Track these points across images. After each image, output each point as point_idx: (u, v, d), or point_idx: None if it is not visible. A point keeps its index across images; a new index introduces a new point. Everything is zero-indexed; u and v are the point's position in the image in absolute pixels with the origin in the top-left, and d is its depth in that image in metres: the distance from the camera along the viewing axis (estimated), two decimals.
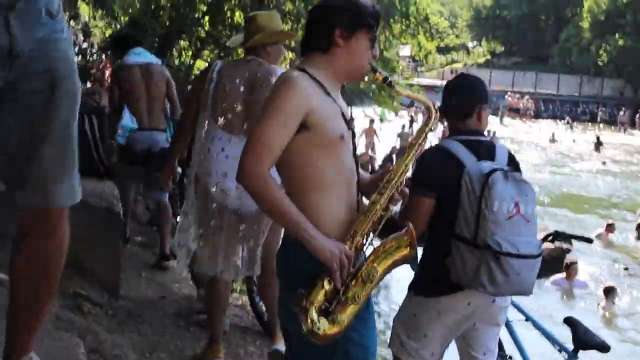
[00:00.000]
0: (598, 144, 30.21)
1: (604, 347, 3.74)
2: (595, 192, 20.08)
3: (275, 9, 11.10)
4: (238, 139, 3.50)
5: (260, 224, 3.63)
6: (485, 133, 3.39)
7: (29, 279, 2.20)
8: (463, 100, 3.13)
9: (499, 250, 2.79)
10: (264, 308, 4.38)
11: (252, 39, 3.72)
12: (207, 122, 3.63)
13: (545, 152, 28.64)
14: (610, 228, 13.64)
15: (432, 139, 4.54)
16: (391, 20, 14.14)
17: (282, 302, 2.37)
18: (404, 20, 14.71)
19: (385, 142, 21.36)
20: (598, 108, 45.78)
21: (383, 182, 2.29)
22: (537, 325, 3.89)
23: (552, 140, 32.02)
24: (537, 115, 44.51)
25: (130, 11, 10.89)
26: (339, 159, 2.25)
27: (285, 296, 2.30)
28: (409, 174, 2.42)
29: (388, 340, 3.21)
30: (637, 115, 41.84)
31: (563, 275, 10.30)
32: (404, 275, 3.32)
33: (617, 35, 47.56)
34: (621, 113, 42.60)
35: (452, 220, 2.92)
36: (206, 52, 11.63)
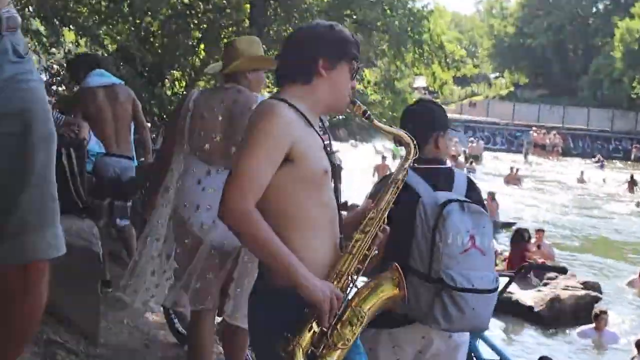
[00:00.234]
0: (632, 184, 30.09)
1: None
2: (628, 237, 19.97)
3: (275, 37, 11.31)
4: (216, 170, 3.56)
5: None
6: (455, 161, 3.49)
7: None
8: (419, 127, 3.16)
9: (453, 285, 2.86)
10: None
11: (230, 64, 3.78)
12: (183, 152, 3.71)
13: (573, 193, 28.57)
14: None
15: None
16: (402, 48, 14.26)
17: (260, 351, 2.41)
18: (416, 48, 14.81)
19: None
20: (632, 145, 45.66)
21: (365, 219, 2.35)
22: None
23: (581, 180, 31.96)
24: (565, 153, 44.45)
25: (118, 38, 11.00)
26: (322, 195, 2.31)
27: (264, 346, 2.33)
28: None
29: None
30: None
31: (592, 325, 10.22)
32: None
33: None
34: None
35: (406, 252, 2.99)
36: (201, 83, 11.59)
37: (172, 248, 3.77)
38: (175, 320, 4.91)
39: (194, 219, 3.61)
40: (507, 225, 17.80)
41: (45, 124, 2.12)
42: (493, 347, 3.87)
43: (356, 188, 13.47)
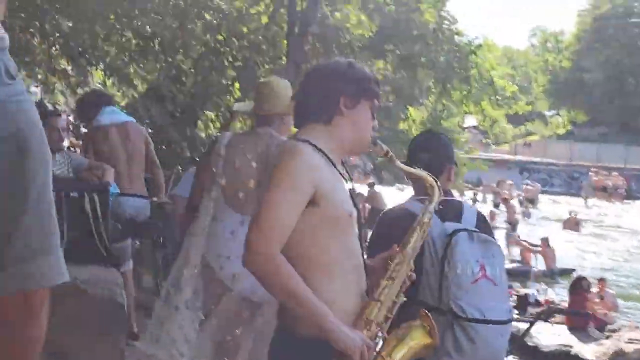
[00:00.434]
0: None
1: None
2: None
3: None
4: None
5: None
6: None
7: None
8: (435, 158, 3.19)
9: (463, 316, 2.85)
10: None
11: (265, 104, 3.81)
12: (214, 201, 3.71)
13: (637, 238, 28.07)
14: None
15: None
16: (448, 85, 14.27)
17: None
18: (463, 85, 14.81)
19: None
20: None
21: (392, 265, 2.35)
22: None
23: None
24: (629, 195, 43.82)
25: (148, 77, 11.16)
26: (347, 240, 2.31)
27: None
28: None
29: None
30: None
31: None
32: None
33: None
34: None
35: (415, 285, 2.96)
36: (237, 125, 11.60)
37: (199, 298, 3.76)
38: None
39: (231, 270, 3.61)
40: (566, 272, 17.45)
41: (40, 145, 2.12)
42: None
43: None
